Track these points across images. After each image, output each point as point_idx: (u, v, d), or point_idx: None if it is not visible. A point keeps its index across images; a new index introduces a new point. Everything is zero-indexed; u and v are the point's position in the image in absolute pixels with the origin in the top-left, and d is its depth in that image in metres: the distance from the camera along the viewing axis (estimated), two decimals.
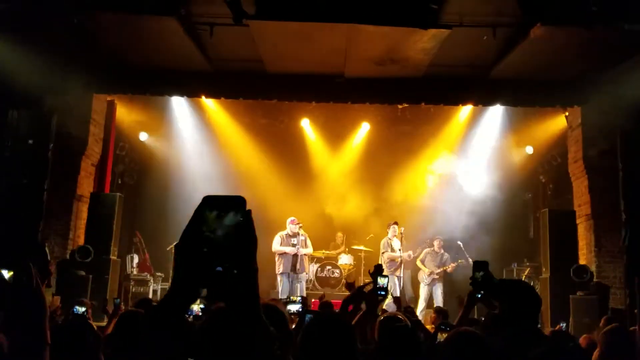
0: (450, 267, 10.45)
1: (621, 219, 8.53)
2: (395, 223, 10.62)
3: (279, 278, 9.87)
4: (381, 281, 3.41)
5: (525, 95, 9.25)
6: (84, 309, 4.48)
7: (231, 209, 1.15)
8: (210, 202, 1.16)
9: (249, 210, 1.17)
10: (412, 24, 6.90)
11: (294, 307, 5.00)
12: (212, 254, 1.11)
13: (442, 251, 10.70)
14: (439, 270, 10.44)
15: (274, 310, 1.68)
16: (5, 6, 6.56)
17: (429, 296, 10.40)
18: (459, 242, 10.74)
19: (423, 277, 10.59)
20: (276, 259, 9.91)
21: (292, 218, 10.15)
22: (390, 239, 10.55)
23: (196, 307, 4.53)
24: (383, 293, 3.36)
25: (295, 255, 9.80)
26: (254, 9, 6.85)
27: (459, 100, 9.71)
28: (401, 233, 10.61)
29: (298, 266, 9.83)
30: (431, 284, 10.41)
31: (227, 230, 1.13)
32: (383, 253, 10.45)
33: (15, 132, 7.64)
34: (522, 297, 2.61)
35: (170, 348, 1.13)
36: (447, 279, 10.68)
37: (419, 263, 10.72)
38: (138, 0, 6.72)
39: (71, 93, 8.65)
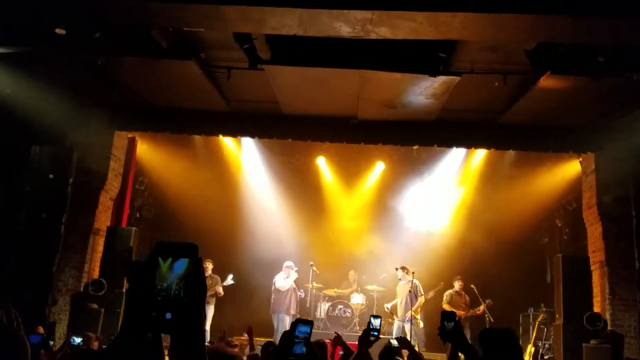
0: (479, 310, 10.19)
1: (635, 267, 8.45)
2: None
3: (280, 317, 10.16)
4: (374, 322, 3.44)
5: (537, 140, 9.30)
6: (80, 340, 4.49)
7: (183, 256, 1.18)
8: (162, 249, 1.19)
9: (200, 258, 1.20)
10: (421, 71, 7.07)
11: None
12: (162, 300, 1.14)
13: (464, 292, 10.50)
14: (469, 313, 10.21)
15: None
16: (34, 49, 6.90)
17: None
18: (472, 286, 10.63)
19: None
20: (273, 298, 10.29)
21: (291, 263, 10.56)
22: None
23: None
24: (375, 334, 3.39)
25: (292, 296, 10.19)
26: (269, 54, 7.11)
27: (471, 143, 9.79)
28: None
29: (293, 307, 10.30)
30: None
31: (178, 278, 1.16)
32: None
33: (36, 166, 7.94)
34: (503, 347, 2.64)
35: None
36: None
37: (447, 307, 10.26)
38: (160, 45, 7.00)
39: (93, 130, 8.99)
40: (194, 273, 1.18)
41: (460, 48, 7.02)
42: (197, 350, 1.18)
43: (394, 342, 4.20)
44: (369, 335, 3.37)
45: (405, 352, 4.40)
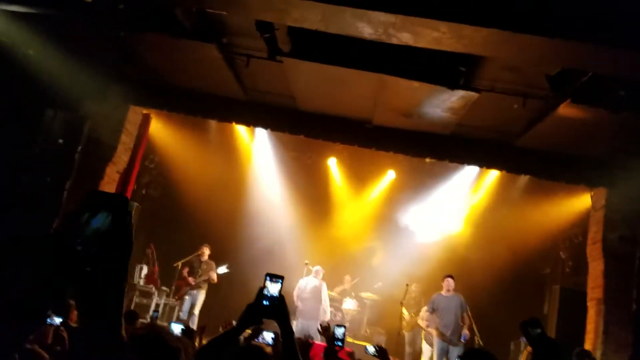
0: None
1: (632, 309, 8.29)
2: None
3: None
4: (338, 331, 3.39)
5: (551, 168, 9.13)
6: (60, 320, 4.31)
7: (104, 209, 1.09)
8: (88, 200, 1.11)
9: (129, 212, 1.11)
10: (440, 83, 7.00)
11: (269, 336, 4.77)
12: (84, 253, 1.05)
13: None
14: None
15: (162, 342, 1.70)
16: (59, 12, 6.93)
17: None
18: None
19: (428, 337, 9.84)
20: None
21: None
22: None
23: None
24: (340, 344, 3.35)
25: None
26: (290, 47, 7.08)
27: (484, 163, 9.66)
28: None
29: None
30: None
31: (94, 232, 1.07)
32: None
33: (48, 130, 7.98)
34: None
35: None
36: None
37: (423, 314, 10.10)
38: (183, 25, 7.01)
39: (108, 101, 9.00)
40: (114, 228, 1.09)
41: (483, 65, 6.93)
42: (112, 314, 1.09)
43: (371, 350, 4.13)
44: (334, 345, 3.33)
45: None
